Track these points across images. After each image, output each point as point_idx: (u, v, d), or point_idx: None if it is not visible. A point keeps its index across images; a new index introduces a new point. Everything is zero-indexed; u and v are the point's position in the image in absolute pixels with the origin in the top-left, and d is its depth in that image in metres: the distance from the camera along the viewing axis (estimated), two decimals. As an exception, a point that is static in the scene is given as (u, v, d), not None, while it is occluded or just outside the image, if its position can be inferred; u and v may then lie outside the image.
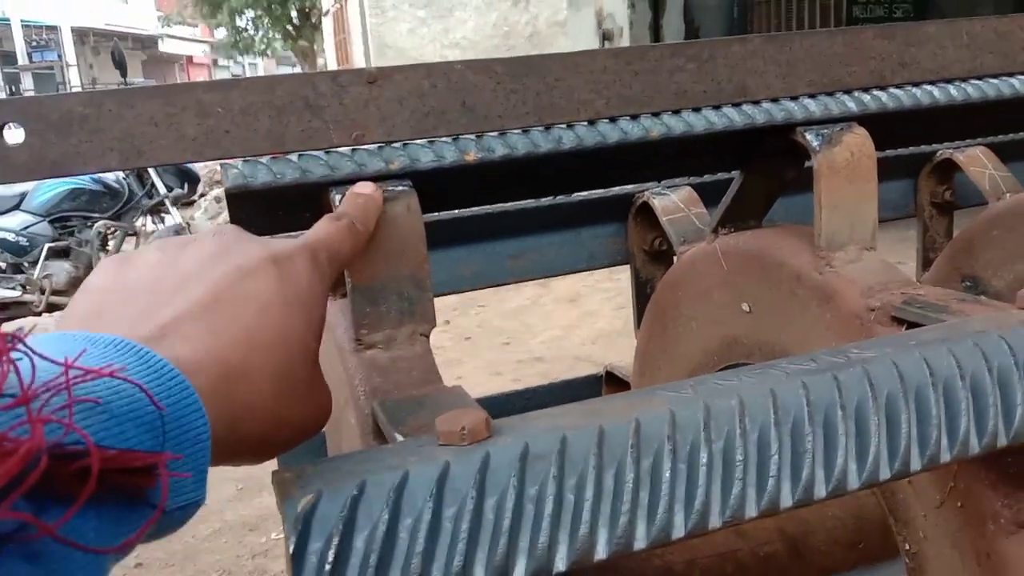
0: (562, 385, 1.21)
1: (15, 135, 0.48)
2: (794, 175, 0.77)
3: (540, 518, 0.36)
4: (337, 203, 0.55)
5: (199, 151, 0.52)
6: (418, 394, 0.50)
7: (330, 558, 0.33)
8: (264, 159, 0.56)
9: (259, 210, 0.58)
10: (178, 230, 5.09)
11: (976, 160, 1.04)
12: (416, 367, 0.54)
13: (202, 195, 7.53)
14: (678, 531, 0.37)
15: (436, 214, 0.90)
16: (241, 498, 2.61)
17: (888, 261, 0.67)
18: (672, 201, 0.95)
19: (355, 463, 0.38)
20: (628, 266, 1.06)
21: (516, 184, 0.68)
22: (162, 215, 5.31)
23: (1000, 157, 1.04)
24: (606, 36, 6.25)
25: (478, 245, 0.98)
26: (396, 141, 0.58)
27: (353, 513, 0.34)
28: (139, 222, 5.35)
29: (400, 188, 0.57)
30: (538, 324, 4.29)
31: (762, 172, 0.77)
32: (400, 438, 0.44)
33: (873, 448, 0.40)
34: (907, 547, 0.60)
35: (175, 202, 5.24)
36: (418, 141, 0.60)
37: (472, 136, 0.61)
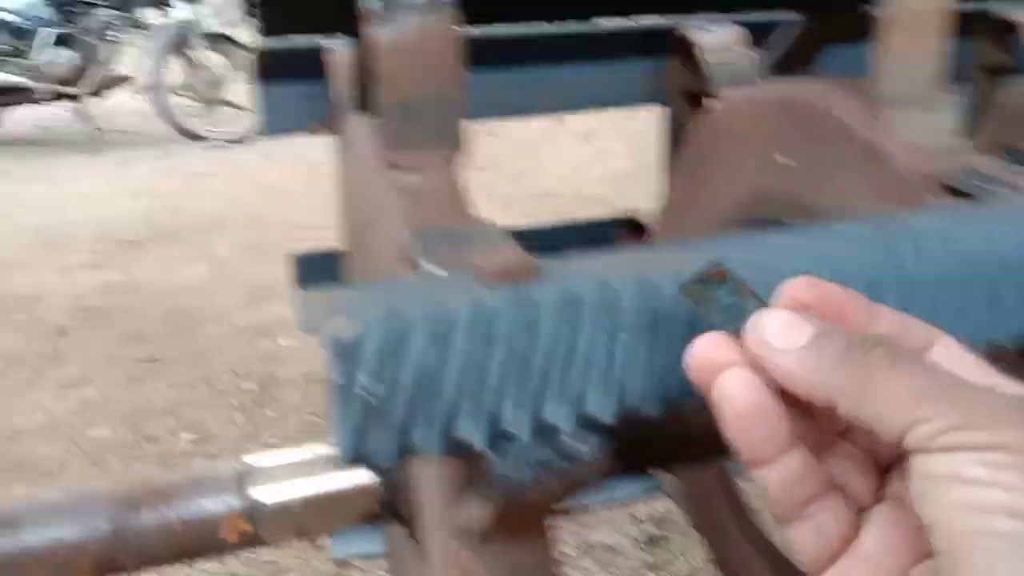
0: (582, 225, 1.20)
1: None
2: (857, 23, 0.72)
3: (590, 368, 0.36)
4: (373, 9, 0.51)
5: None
6: (451, 225, 0.49)
7: (376, 393, 0.34)
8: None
9: (294, 11, 0.55)
10: (182, 25, 4.89)
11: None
12: (447, 194, 0.53)
13: (209, -10, 7.16)
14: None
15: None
16: (251, 304, 2.67)
17: (947, 125, 0.64)
18: (717, 38, 0.90)
19: (393, 294, 0.38)
20: (653, 105, 1.02)
21: (564, 3, 0.64)
22: (166, 7, 5.07)
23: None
24: None
25: (504, 71, 0.93)
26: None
27: (398, 348, 0.34)
28: (144, 13, 5.12)
29: (440, -2, 0.53)
30: (550, 159, 4.23)
31: (826, 16, 0.72)
32: (436, 271, 0.43)
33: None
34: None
35: (181, -5, 5.00)
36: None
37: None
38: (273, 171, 4.18)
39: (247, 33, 6.84)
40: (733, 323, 0.31)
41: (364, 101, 0.60)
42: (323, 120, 0.73)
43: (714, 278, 0.32)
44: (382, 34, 0.49)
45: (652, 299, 0.37)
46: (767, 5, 0.78)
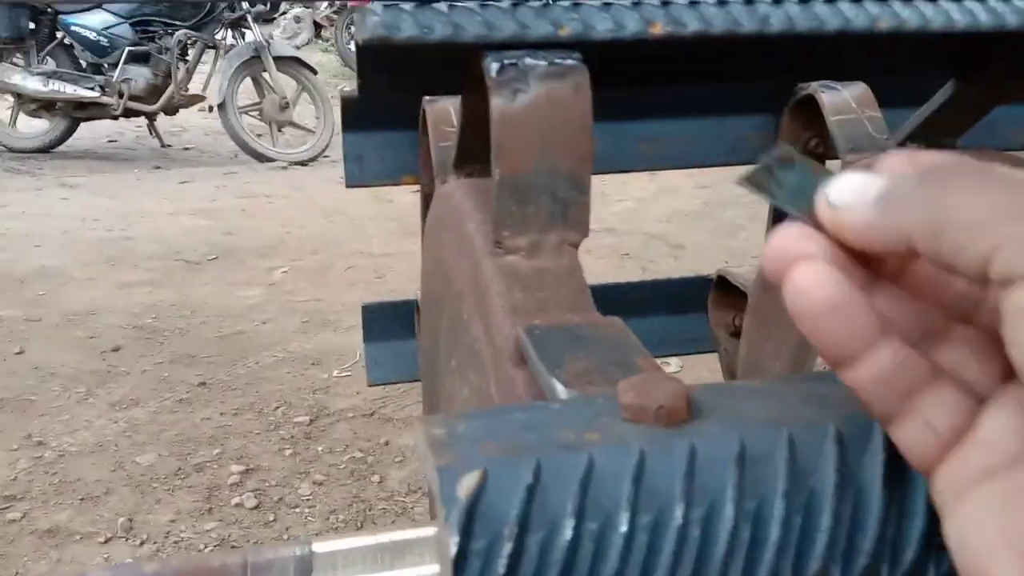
0: (664, 283, 1.12)
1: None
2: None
3: (761, 543, 0.28)
4: (493, 73, 0.45)
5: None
6: (572, 324, 0.42)
7: (500, 568, 0.26)
8: (408, 5, 0.45)
9: (394, 67, 0.48)
10: (257, 47, 4.97)
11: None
12: (564, 285, 0.45)
13: (282, 13, 7.32)
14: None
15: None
16: (306, 331, 2.64)
17: None
18: (843, 98, 0.81)
19: (519, 428, 0.30)
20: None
21: (692, 67, 0.57)
22: (242, 30, 5.17)
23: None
24: None
25: (606, 123, 0.86)
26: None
27: (528, 508, 0.27)
28: (219, 35, 5.23)
29: (569, 62, 0.46)
30: (613, 192, 4.15)
31: (985, 84, 0.63)
32: (562, 389, 0.36)
33: None
34: None
35: (256, 18, 5.08)
36: (592, 1, 0.48)
37: (656, 1, 0.49)
38: (336, 195, 4.18)
39: (315, 55, 6.97)
40: (805, 204, 0.28)
41: (467, 162, 0.53)
42: (415, 174, 0.67)
43: (781, 163, 0.29)
44: (502, 101, 0.42)
45: (843, 454, 0.29)
46: (919, 72, 0.69)
